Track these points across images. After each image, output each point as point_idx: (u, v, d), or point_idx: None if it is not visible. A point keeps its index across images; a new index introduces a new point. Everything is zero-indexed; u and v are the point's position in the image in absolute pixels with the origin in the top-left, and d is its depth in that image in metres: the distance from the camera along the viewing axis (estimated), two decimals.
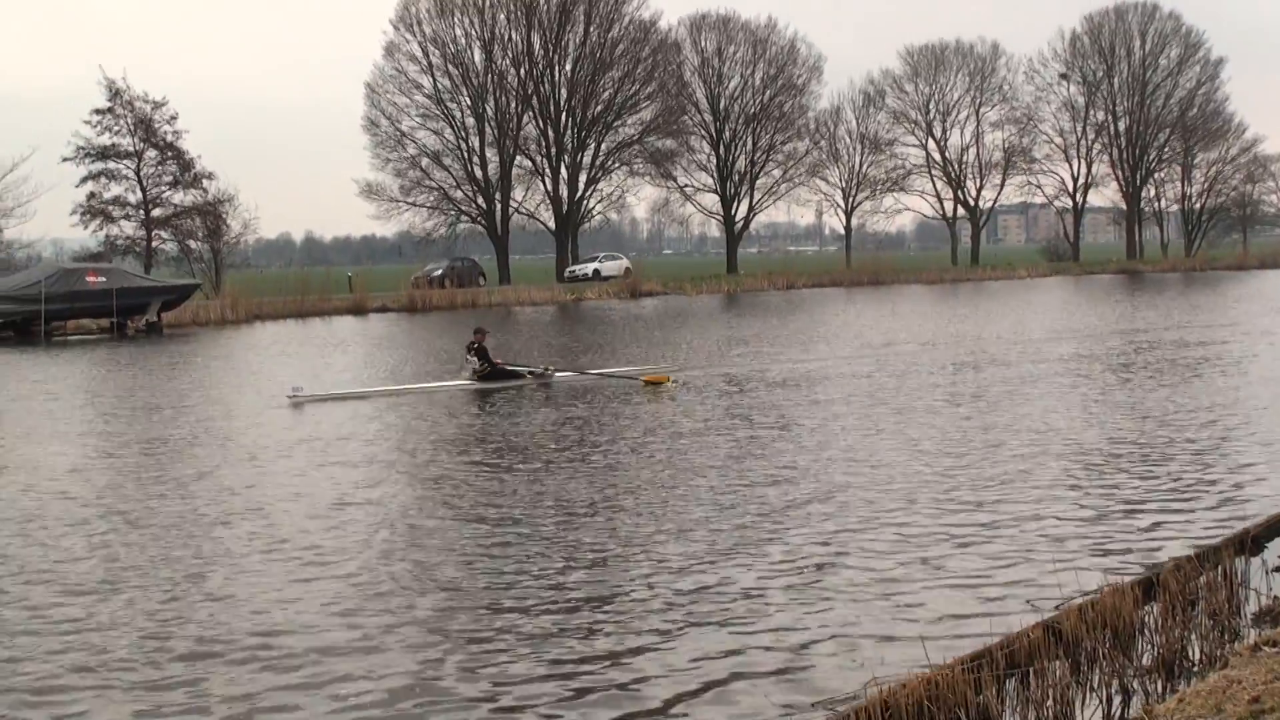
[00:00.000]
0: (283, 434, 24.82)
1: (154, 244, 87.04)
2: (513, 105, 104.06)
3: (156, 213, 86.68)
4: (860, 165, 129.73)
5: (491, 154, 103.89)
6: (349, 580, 13.68)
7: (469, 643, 11.47)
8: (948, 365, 34.95)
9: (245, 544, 15.51)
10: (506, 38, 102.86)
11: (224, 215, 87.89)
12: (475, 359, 31.91)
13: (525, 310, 76.30)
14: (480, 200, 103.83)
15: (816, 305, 72.43)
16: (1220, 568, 12.41)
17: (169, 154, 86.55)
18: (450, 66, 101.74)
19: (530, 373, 32.64)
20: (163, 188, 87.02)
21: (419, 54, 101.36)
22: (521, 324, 63.07)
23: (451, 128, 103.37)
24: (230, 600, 13.00)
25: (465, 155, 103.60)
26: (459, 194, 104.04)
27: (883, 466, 19.56)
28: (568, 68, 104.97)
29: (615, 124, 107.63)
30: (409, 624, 12.08)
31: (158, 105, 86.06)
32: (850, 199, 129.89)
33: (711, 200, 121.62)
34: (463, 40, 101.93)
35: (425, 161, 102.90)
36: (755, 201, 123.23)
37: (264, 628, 12.02)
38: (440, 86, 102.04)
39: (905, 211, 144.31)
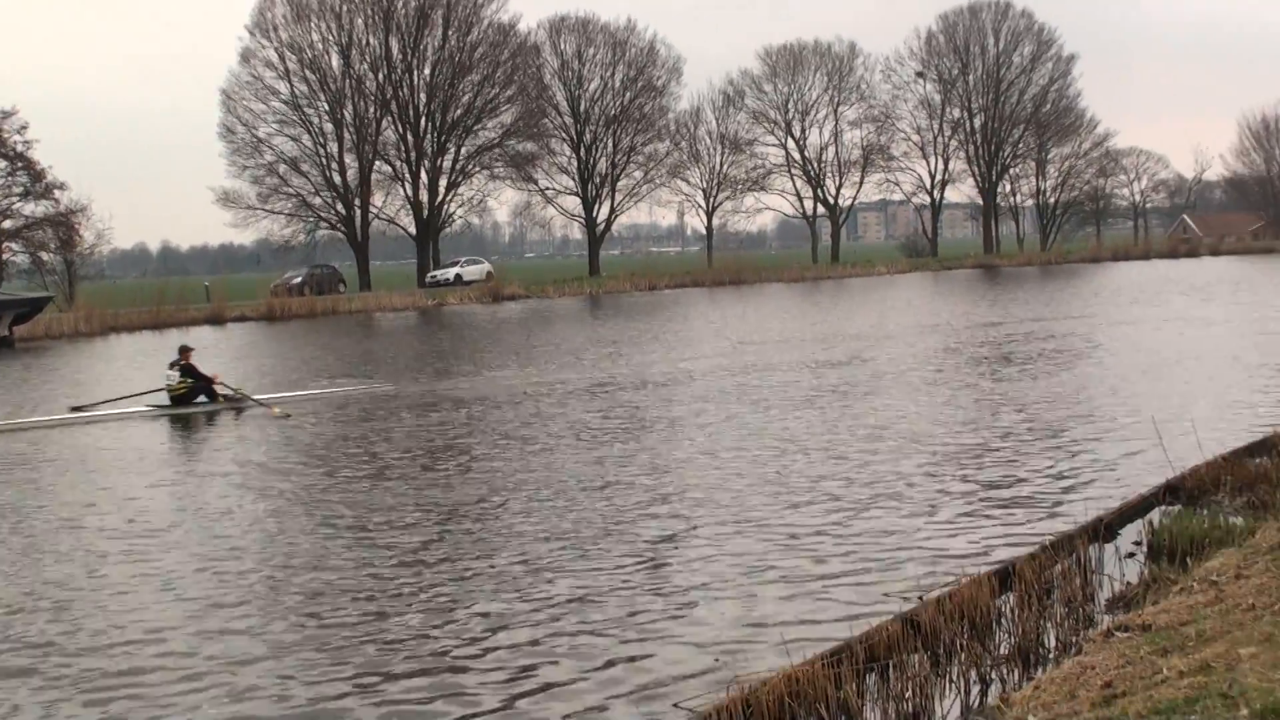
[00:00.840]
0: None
1: (4, 256, 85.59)
2: (371, 110, 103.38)
3: (6, 224, 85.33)
4: (721, 165, 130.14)
5: (350, 159, 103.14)
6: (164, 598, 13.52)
7: (324, 651, 11.37)
8: (808, 363, 35.11)
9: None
10: (364, 42, 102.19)
11: (77, 226, 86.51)
12: (177, 373, 30.40)
13: (386, 316, 75.92)
14: (339, 206, 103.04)
15: (679, 306, 72.60)
16: (1075, 556, 12.55)
17: (19, 164, 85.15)
18: (307, 72, 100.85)
19: (234, 395, 30.73)
20: (13, 199, 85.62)
21: (275, 60, 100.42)
22: (382, 331, 62.77)
23: (309, 134, 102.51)
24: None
25: (324, 161, 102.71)
26: (317, 200, 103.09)
27: (742, 465, 19.61)
28: (426, 72, 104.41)
29: (475, 128, 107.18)
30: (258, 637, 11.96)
31: (7, 115, 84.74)
32: (711, 199, 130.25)
33: (573, 203, 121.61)
34: (320, 45, 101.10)
35: (283, 168, 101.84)
36: (617, 203, 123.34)
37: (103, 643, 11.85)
38: (297, 92, 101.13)
39: (766, 211, 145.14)
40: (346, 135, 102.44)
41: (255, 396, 30.37)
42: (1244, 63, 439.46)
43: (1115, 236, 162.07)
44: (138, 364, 45.93)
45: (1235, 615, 9.15)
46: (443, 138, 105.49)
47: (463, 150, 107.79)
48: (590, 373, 34.72)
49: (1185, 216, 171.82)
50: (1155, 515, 14.69)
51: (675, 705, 9.69)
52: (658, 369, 34.97)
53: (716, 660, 10.68)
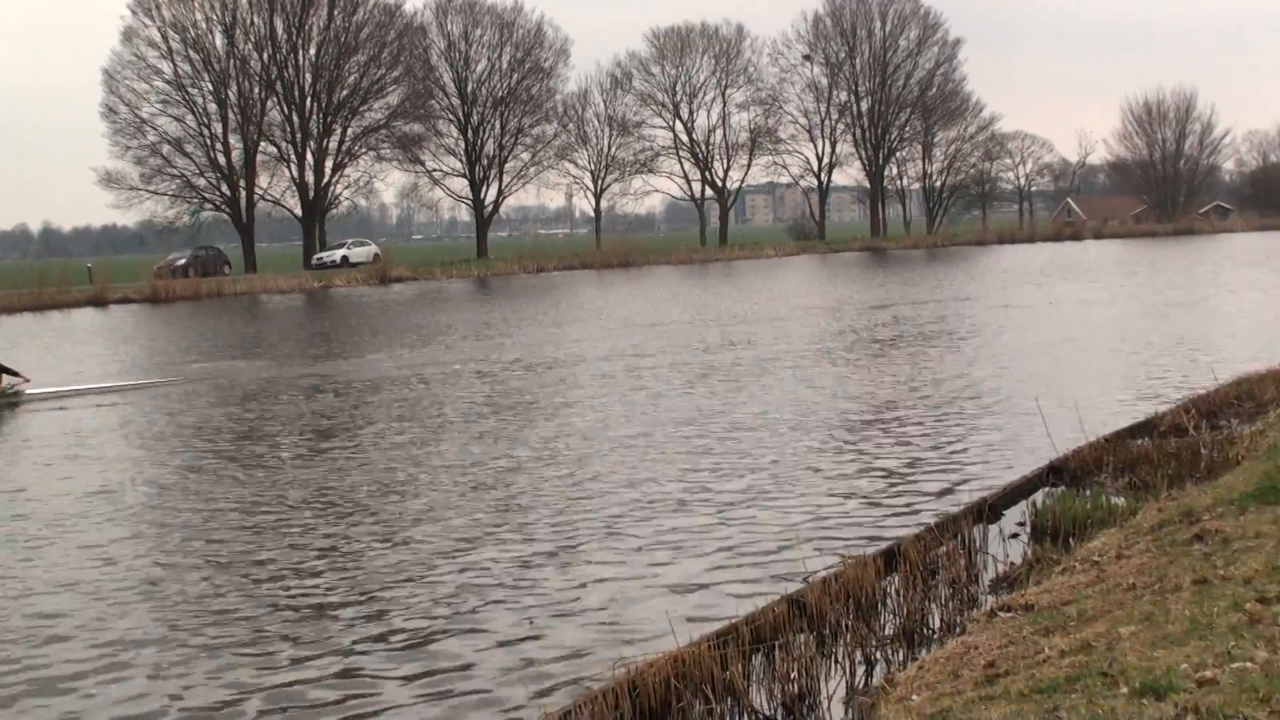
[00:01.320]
0: None
1: None
2: (256, 91, 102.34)
3: None
4: (609, 148, 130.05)
5: (235, 140, 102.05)
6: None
7: (204, 639, 11.28)
8: (696, 345, 35.16)
9: None
10: (248, 22, 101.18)
11: None
12: None
13: (273, 299, 75.29)
14: (224, 188, 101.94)
15: (567, 288, 72.48)
16: (959, 537, 12.64)
17: None
18: (191, 52, 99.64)
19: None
20: None
21: (158, 39, 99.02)
22: (268, 313, 62.26)
23: (193, 114, 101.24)
24: None
25: (208, 142, 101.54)
26: (202, 181, 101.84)
27: (632, 447, 19.64)
28: (312, 52, 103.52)
29: (361, 109, 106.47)
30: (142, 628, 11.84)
31: None
32: (599, 181, 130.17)
33: (460, 185, 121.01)
34: (203, 25, 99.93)
35: (166, 149, 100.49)
36: (504, 185, 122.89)
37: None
38: (181, 72, 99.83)
39: (654, 193, 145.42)
40: (231, 116, 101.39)
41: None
42: (1126, 47, 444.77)
43: (1000, 220, 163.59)
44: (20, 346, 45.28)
45: (1116, 595, 9.24)
46: (328, 119, 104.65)
47: (349, 131, 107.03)
48: (478, 355, 34.61)
49: (1069, 200, 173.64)
50: (1039, 496, 14.84)
51: (563, 686, 9.68)
52: (547, 351, 34.91)
53: (604, 642, 10.68)
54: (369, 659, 10.64)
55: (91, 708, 9.86)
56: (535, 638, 10.94)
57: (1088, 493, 14.65)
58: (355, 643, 11.03)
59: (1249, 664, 6.86)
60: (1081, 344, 31.42)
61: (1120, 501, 13.96)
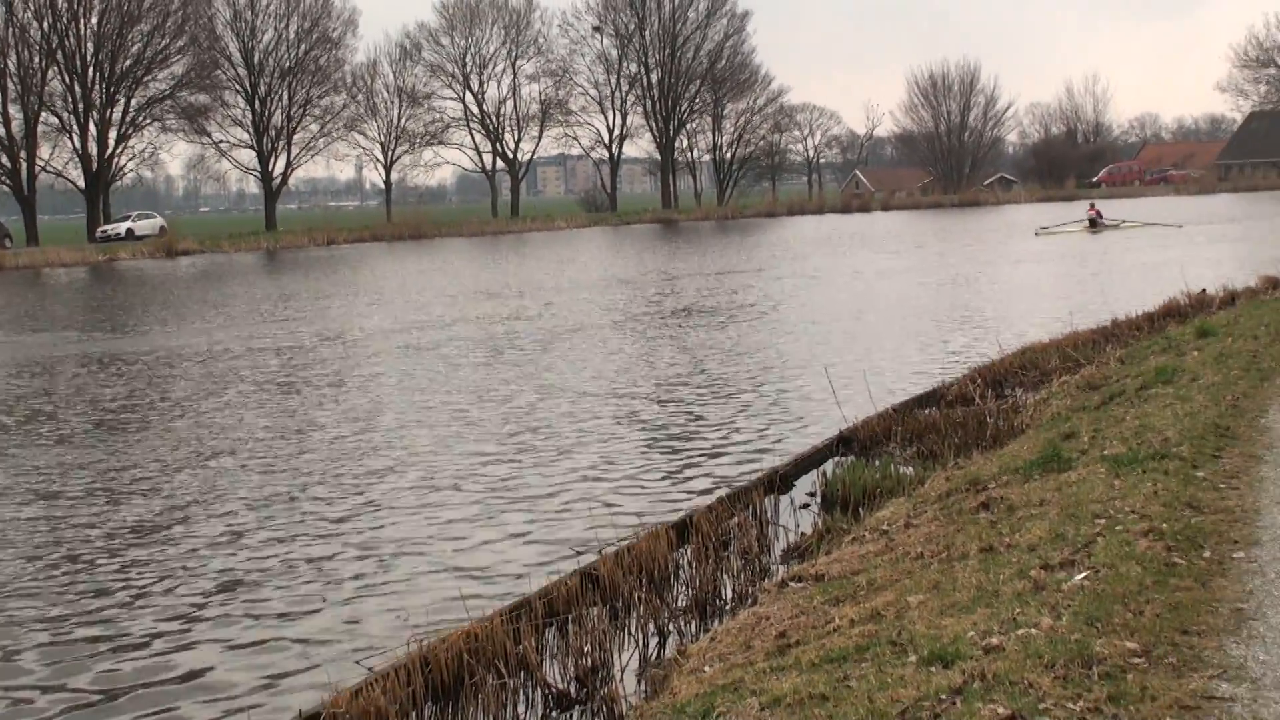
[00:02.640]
0: None
1: None
2: (36, 60, 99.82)
3: None
4: (399, 119, 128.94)
5: (15, 110, 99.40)
6: None
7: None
8: (488, 318, 35.07)
9: None
10: None
11: None
12: None
13: (56, 272, 73.64)
14: (4, 159, 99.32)
15: (359, 261, 71.85)
16: (751, 508, 12.76)
17: None
18: None
19: None
20: None
21: None
22: (52, 287, 60.96)
23: None
24: None
25: None
26: None
27: (423, 422, 19.55)
28: (94, 20, 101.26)
29: (145, 79, 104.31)
30: None
31: None
32: (390, 153, 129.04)
33: (248, 156, 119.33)
34: None
35: None
36: (293, 157, 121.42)
37: None
38: None
39: (445, 165, 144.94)
40: (10, 85, 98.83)
41: None
42: (909, 17, 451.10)
43: (790, 191, 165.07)
44: None
45: (904, 564, 9.37)
46: (112, 89, 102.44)
47: (133, 102, 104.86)
48: (267, 330, 34.19)
49: (857, 172, 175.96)
50: (829, 466, 15.04)
51: (356, 663, 9.61)
52: (338, 325, 34.61)
53: (396, 618, 10.62)
54: (153, 642, 10.47)
55: None
56: (325, 615, 10.85)
57: (877, 462, 14.86)
58: (139, 625, 10.85)
59: (1034, 630, 6.98)
60: (870, 315, 31.86)
61: (909, 471, 14.19)
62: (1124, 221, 66.90)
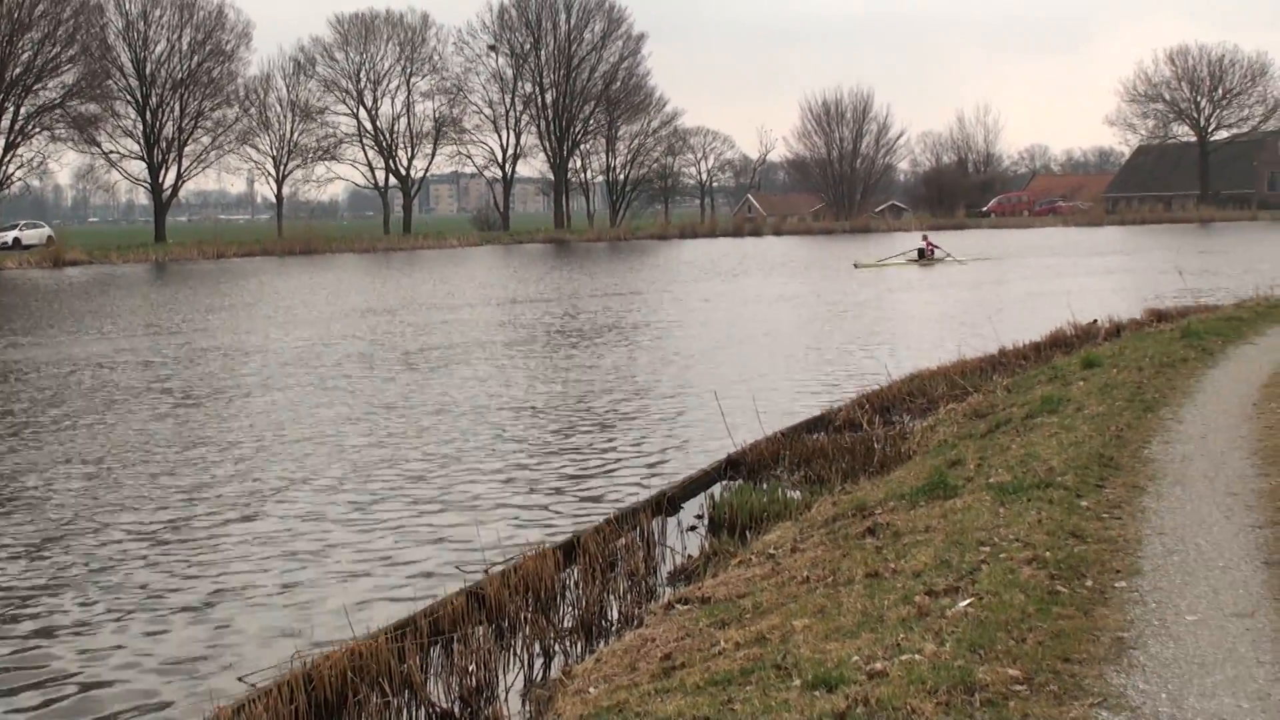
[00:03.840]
0: None
1: None
2: None
3: None
4: (291, 133, 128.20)
5: None
6: None
7: None
8: (375, 336, 34.90)
9: None
10: None
11: None
12: None
13: None
14: None
15: (248, 275, 71.31)
16: (638, 529, 12.76)
17: None
18: None
19: None
20: None
21: None
22: None
23: None
24: None
25: None
26: None
27: (309, 439, 19.42)
28: None
29: (36, 87, 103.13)
30: None
31: None
32: (282, 167, 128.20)
33: (139, 167, 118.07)
34: None
35: None
36: (184, 169, 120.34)
37: None
38: None
39: (337, 180, 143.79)
40: None
41: None
42: (803, 44, 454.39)
43: (683, 214, 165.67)
44: None
45: (790, 588, 9.40)
46: (1, 97, 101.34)
47: (22, 110, 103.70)
48: (150, 343, 33.85)
49: (750, 196, 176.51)
50: (717, 489, 15.06)
51: (238, 679, 9.54)
52: (225, 340, 34.32)
53: (281, 635, 10.55)
54: (29, 655, 10.34)
55: None
56: (206, 630, 10.77)
57: (764, 486, 14.93)
58: (15, 640, 10.71)
59: (917, 656, 7.03)
60: (760, 339, 31.98)
61: (796, 495, 14.26)
62: (949, 256, 64.93)
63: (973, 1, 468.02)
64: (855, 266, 61.78)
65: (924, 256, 63.40)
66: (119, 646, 10.51)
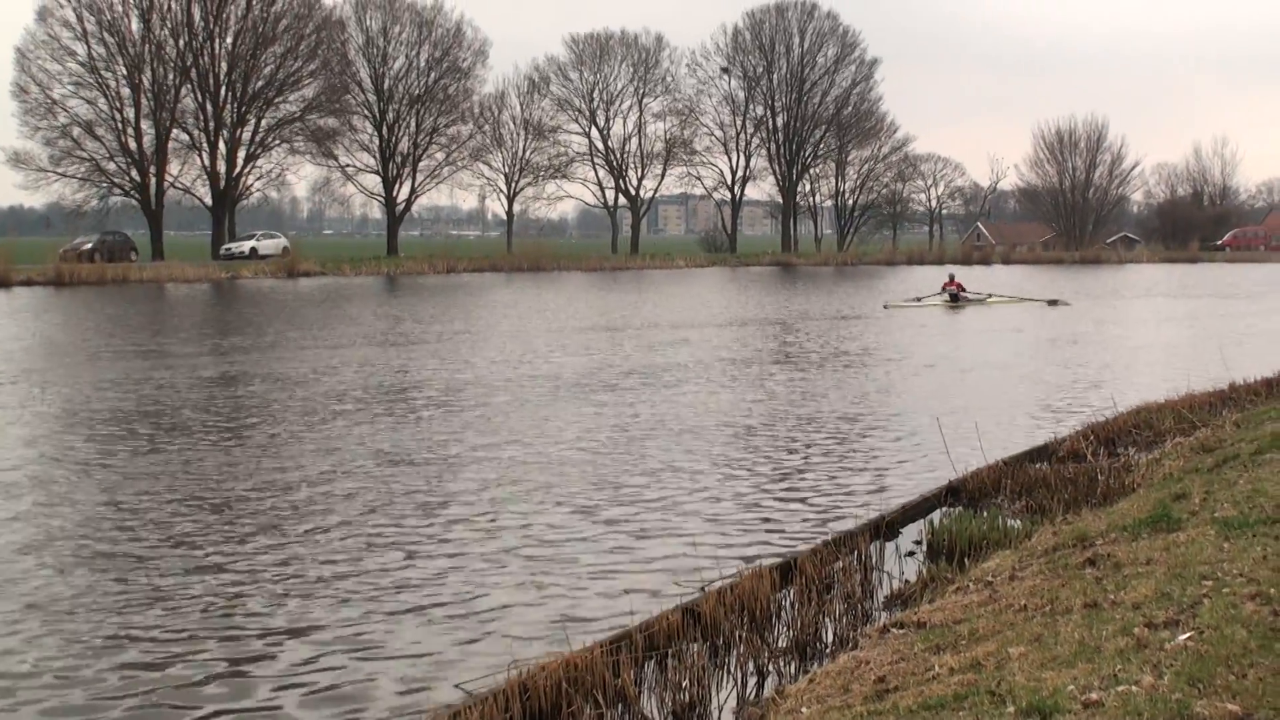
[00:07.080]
0: None
1: None
2: (171, 77, 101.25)
3: None
4: (524, 151, 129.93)
5: (147, 126, 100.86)
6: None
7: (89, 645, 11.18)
8: (604, 353, 35.13)
9: None
10: (165, 7, 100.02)
11: None
12: None
13: (179, 288, 74.50)
14: (134, 173, 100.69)
15: (477, 290, 72.24)
16: (856, 553, 12.69)
17: None
18: (106, 34, 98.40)
19: None
20: None
21: (73, 20, 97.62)
22: (173, 302, 61.72)
23: (105, 97, 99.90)
24: None
25: (119, 126, 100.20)
26: (111, 166, 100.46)
27: (535, 453, 19.59)
28: (229, 40, 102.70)
29: (276, 100, 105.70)
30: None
31: None
32: (513, 184, 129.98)
33: (373, 181, 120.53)
34: (119, 8, 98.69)
35: (77, 131, 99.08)
36: (417, 184, 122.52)
37: None
38: (95, 54, 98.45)
39: (567, 199, 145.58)
40: (144, 101, 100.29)
41: None
42: (1041, 72, 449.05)
43: (911, 241, 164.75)
44: None
45: (1007, 615, 9.31)
46: (243, 108, 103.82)
47: (263, 122, 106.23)
48: (384, 356, 34.44)
49: (979, 224, 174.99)
50: (936, 516, 14.95)
51: (455, 686, 9.65)
52: (455, 354, 34.77)
53: (497, 644, 10.65)
54: (254, 662, 10.56)
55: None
56: (425, 637, 10.91)
57: (984, 514, 14.77)
58: (239, 647, 10.95)
59: (1134, 687, 6.93)
60: (986, 368, 31.65)
61: (1016, 524, 14.09)
62: (990, 296, 61.46)
63: (1216, 33, 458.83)
64: (885, 307, 58.06)
65: (955, 300, 59.83)
66: (335, 647, 10.69)
